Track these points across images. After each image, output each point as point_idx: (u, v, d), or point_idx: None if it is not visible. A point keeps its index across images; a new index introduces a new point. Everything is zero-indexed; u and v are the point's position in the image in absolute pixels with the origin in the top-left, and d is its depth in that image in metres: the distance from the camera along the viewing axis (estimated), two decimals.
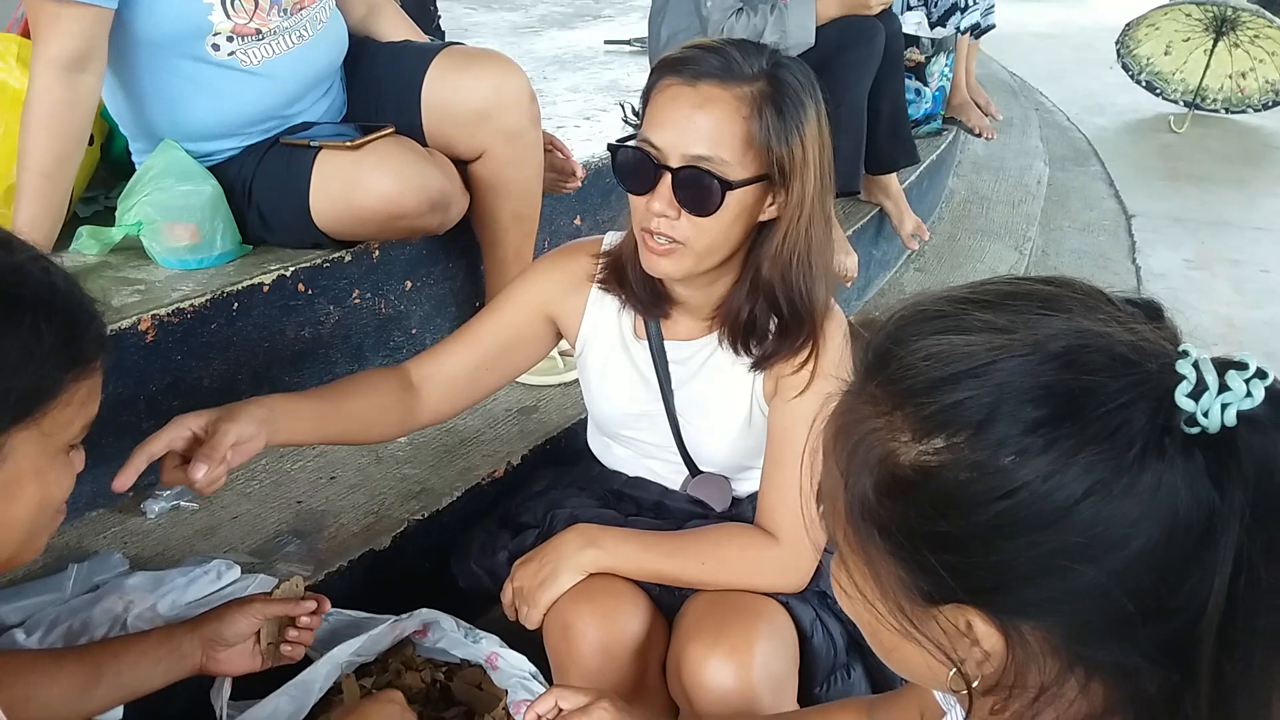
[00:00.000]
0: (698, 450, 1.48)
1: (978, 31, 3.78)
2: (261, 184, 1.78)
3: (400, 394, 1.42)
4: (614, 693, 1.18)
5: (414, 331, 2.01)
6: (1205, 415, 0.57)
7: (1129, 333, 0.61)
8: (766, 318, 1.32)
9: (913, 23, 3.63)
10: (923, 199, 3.51)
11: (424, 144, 1.86)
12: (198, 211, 1.71)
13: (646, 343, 1.43)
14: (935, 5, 3.66)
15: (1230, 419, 0.57)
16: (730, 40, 1.25)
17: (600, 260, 1.42)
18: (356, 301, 1.89)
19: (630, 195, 1.28)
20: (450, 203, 1.80)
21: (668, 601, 1.40)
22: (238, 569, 1.46)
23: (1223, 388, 0.57)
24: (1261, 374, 0.58)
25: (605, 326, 1.46)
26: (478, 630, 1.47)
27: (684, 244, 1.25)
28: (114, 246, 1.74)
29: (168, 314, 1.60)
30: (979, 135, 3.89)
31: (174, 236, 1.71)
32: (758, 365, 1.36)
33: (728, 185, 1.20)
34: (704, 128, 1.20)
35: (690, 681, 1.28)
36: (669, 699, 1.38)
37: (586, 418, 1.61)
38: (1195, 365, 0.58)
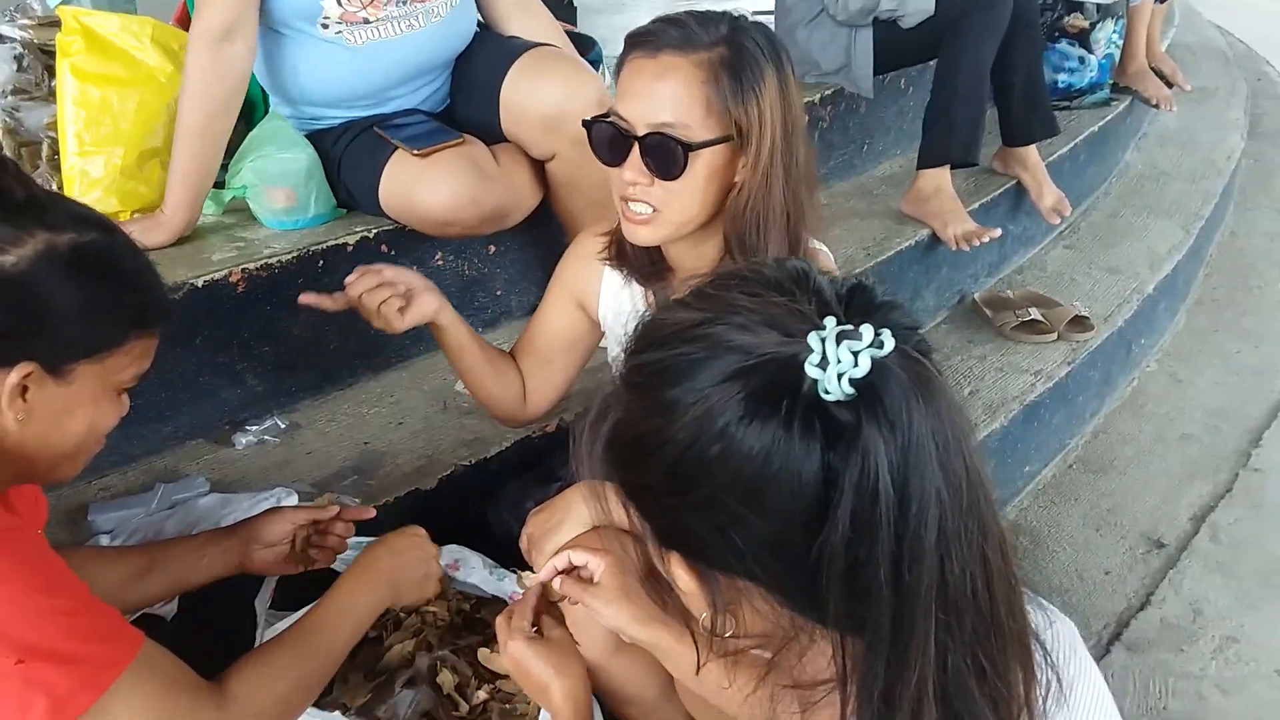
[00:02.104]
0: None
1: None
2: (349, 162, 1.93)
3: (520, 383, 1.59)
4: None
5: (499, 293, 2.13)
6: (830, 383, 0.60)
7: (786, 311, 0.65)
8: None
9: None
10: (1079, 174, 3.32)
11: (503, 140, 1.96)
12: (293, 177, 1.89)
13: None
14: None
15: (846, 387, 0.60)
16: (693, 11, 1.29)
17: (605, 237, 1.48)
18: (440, 263, 2.02)
19: (607, 168, 1.33)
20: (506, 214, 1.90)
21: None
22: (295, 496, 1.63)
23: (840, 359, 0.60)
24: (879, 344, 0.61)
25: (620, 301, 1.52)
26: (501, 569, 1.58)
27: (659, 210, 1.30)
28: (227, 208, 1.95)
29: (257, 268, 1.79)
30: (1156, 107, 3.62)
31: (272, 199, 1.90)
32: None
33: (689, 147, 1.25)
34: (666, 95, 1.25)
35: None
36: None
37: None
38: (822, 339, 0.61)
